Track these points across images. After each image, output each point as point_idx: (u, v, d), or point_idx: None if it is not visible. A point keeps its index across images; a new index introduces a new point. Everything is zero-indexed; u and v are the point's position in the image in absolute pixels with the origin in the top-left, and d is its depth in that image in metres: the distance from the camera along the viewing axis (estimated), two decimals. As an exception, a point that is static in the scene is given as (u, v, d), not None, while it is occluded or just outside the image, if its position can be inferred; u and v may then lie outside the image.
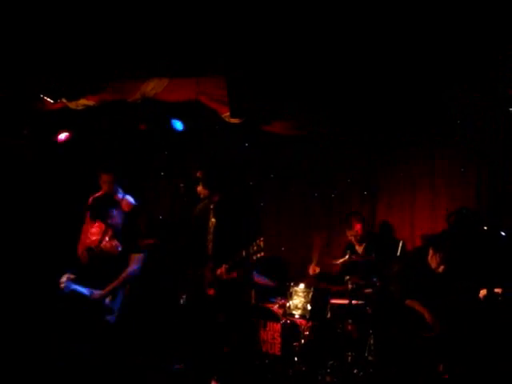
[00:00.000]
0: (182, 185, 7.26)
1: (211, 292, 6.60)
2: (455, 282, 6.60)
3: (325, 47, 6.33)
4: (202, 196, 6.73)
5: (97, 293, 6.71)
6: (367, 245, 7.93)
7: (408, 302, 6.63)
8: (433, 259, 6.68)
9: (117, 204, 7.29)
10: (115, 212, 7.07)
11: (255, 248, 6.14)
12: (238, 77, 6.69)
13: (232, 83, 6.75)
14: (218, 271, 6.47)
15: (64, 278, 6.68)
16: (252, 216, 7.05)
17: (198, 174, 6.73)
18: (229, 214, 6.64)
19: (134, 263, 6.89)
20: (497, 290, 6.50)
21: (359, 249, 8.00)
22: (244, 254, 6.25)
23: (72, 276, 6.70)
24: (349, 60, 6.44)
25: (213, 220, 6.74)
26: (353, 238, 7.99)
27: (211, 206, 6.76)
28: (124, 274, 6.84)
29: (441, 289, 6.63)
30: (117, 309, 6.77)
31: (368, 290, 7.38)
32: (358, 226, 7.93)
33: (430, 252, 6.69)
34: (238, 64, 6.66)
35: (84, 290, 6.65)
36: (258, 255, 6.15)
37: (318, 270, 7.82)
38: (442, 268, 6.63)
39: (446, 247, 6.64)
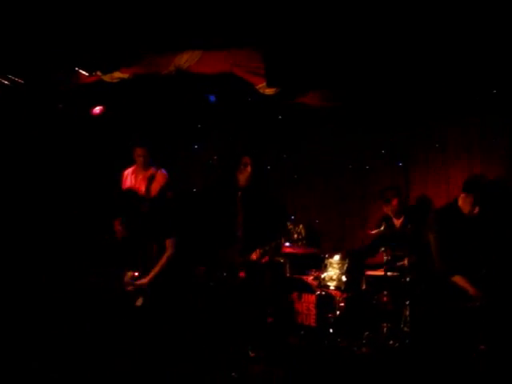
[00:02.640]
0: (215, 157, 7.27)
1: (242, 274, 6.68)
2: (491, 224, 6.46)
3: (360, 18, 6.25)
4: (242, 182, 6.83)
5: (143, 280, 6.88)
6: (405, 219, 7.87)
7: (454, 278, 6.51)
8: (465, 203, 6.41)
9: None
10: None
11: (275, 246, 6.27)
12: (273, 46, 6.63)
13: (268, 52, 6.71)
14: (254, 255, 6.59)
15: (128, 278, 6.87)
16: (281, 205, 7.11)
17: (245, 160, 6.84)
18: (258, 199, 6.70)
19: (170, 248, 7.02)
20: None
21: (397, 222, 7.94)
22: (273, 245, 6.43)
23: (135, 274, 6.86)
24: (385, 30, 6.35)
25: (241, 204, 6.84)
26: (389, 212, 7.95)
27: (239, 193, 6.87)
28: (163, 260, 6.97)
29: (478, 233, 6.44)
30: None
31: (403, 262, 7.36)
32: (394, 201, 7.88)
33: (462, 196, 6.47)
34: (273, 35, 6.61)
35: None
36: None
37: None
38: (476, 210, 6.42)
39: (478, 187, 6.45)
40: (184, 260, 7.21)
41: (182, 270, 7.18)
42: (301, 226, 6.45)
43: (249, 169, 6.79)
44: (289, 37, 6.60)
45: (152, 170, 7.75)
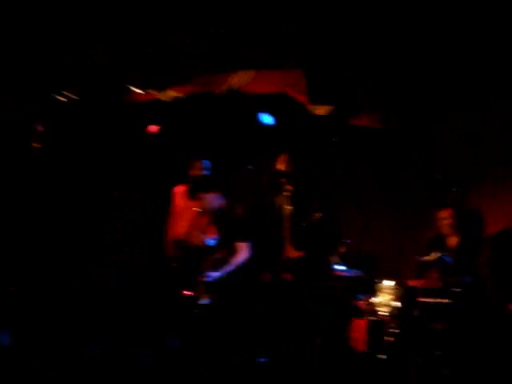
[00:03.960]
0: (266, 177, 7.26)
1: (288, 276, 6.66)
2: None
3: (405, 38, 6.16)
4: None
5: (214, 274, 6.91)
6: (460, 239, 7.63)
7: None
8: None
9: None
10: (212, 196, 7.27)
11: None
12: (317, 65, 6.61)
13: (310, 70, 6.69)
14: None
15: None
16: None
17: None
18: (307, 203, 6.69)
19: (240, 253, 7.02)
20: None
21: (452, 241, 7.70)
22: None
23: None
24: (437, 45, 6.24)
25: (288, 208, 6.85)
26: (443, 230, 7.70)
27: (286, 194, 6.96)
28: (231, 263, 6.98)
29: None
30: None
31: (458, 289, 7.18)
32: (446, 213, 7.65)
33: None
34: (321, 57, 6.58)
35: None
36: None
37: None
38: None
39: None
40: (253, 265, 7.21)
41: (250, 275, 7.18)
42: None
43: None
44: (336, 60, 6.55)
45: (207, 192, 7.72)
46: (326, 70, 6.58)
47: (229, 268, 7.07)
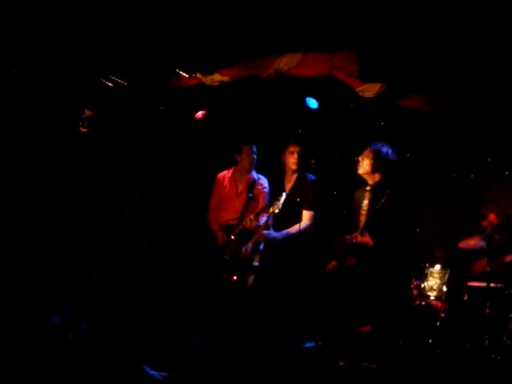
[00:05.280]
0: (313, 161, 7.22)
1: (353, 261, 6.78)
2: None
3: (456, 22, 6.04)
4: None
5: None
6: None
7: None
8: None
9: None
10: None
11: None
12: (370, 47, 6.54)
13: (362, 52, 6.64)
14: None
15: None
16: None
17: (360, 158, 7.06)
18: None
19: (308, 220, 7.23)
20: None
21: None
22: None
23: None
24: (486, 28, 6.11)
25: (366, 202, 7.01)
26: (489, 229, 7.60)
27: (367, 188, 7.09)
28: (292, 229, 7.12)
29: None
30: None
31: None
32: (492, 216, 7.59)
33: None
34: (371, 38, 6.50)
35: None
36: None
37: None
38: None
39: None
40: (317, 236, 7.34)
41: (312, 246, 7.26)
42: None
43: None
44: (384, 40, 6.47)
45: (253, 175, 7.77)
46: (378, 48, 6.48)
47: (287, 233, 7.11)
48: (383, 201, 6.56)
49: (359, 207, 7.09)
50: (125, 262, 7.68)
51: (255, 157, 7.68)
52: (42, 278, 7.24)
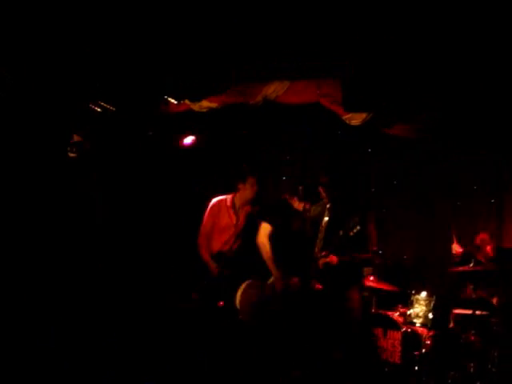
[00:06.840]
0: (300, 187, 7.23)
1: (318, 286, 6.67)
2: None
3: (442, 48, 6.10)
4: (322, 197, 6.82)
5: None
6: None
7: None
8: None
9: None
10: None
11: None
12: (352, 77, 6.57)
13: (346, 82, 6.66)
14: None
15: None
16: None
17: (321, 179, 6.88)
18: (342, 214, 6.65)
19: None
20: None
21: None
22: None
23: None
24: (472, 57, 6.17)
25: (326, 219, 6.82)
26: (483, 260, 7.63)
27: (328, 206, 6.86)
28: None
29: None
30: None
31: (494, 301, 7.13)
32: (488, 248, 7.63)
33: None
34: (357, 66, 6.54)
35: None
36: None
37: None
38: None
39: None
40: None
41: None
42: None
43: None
44: (370, 69, 6.51)
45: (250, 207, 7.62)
46: (362, 78, 6.52)
47: None
48: (356, 230, 6.50)
49: (318, 223, 6.93)
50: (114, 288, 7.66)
51: (256, 187, 7.56)
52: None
